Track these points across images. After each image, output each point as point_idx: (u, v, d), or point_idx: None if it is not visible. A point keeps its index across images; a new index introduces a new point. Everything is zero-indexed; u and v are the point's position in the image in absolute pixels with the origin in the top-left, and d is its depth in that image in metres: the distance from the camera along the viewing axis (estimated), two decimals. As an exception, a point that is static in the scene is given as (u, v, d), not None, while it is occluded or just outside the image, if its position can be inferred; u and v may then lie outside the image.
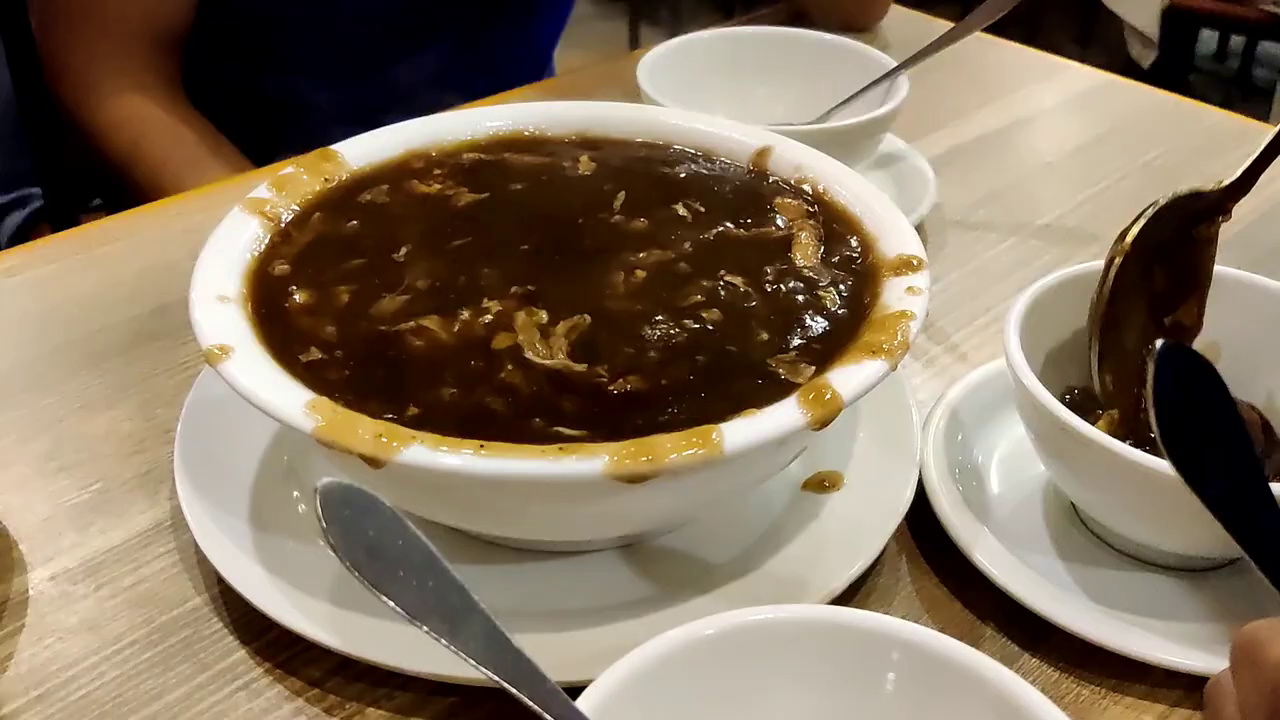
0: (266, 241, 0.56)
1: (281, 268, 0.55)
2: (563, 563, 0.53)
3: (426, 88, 1.12)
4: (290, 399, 0.45)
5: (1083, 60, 1.06)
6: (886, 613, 0.49)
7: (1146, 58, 2.87)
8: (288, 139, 0.98)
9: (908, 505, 0.54)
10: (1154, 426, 0.31)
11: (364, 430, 0.43)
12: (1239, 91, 3.52)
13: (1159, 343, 0.32)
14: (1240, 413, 0.33)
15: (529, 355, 0.49)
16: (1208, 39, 3.68)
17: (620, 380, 0.48)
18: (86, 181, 1.45)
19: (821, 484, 0.57)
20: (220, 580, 0.52)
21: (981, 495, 0.56)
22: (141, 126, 1.07)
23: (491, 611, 0.36)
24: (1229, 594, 0.51)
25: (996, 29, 1.10)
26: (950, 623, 0.52)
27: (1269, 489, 0.34)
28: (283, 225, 0.58)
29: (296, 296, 0.53)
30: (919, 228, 0.78)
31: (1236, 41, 3.63)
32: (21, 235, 1.52)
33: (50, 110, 1.24)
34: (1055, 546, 0.54)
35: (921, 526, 0.55)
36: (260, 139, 1.09)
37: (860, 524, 0.54)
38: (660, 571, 0.53)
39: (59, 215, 1.45)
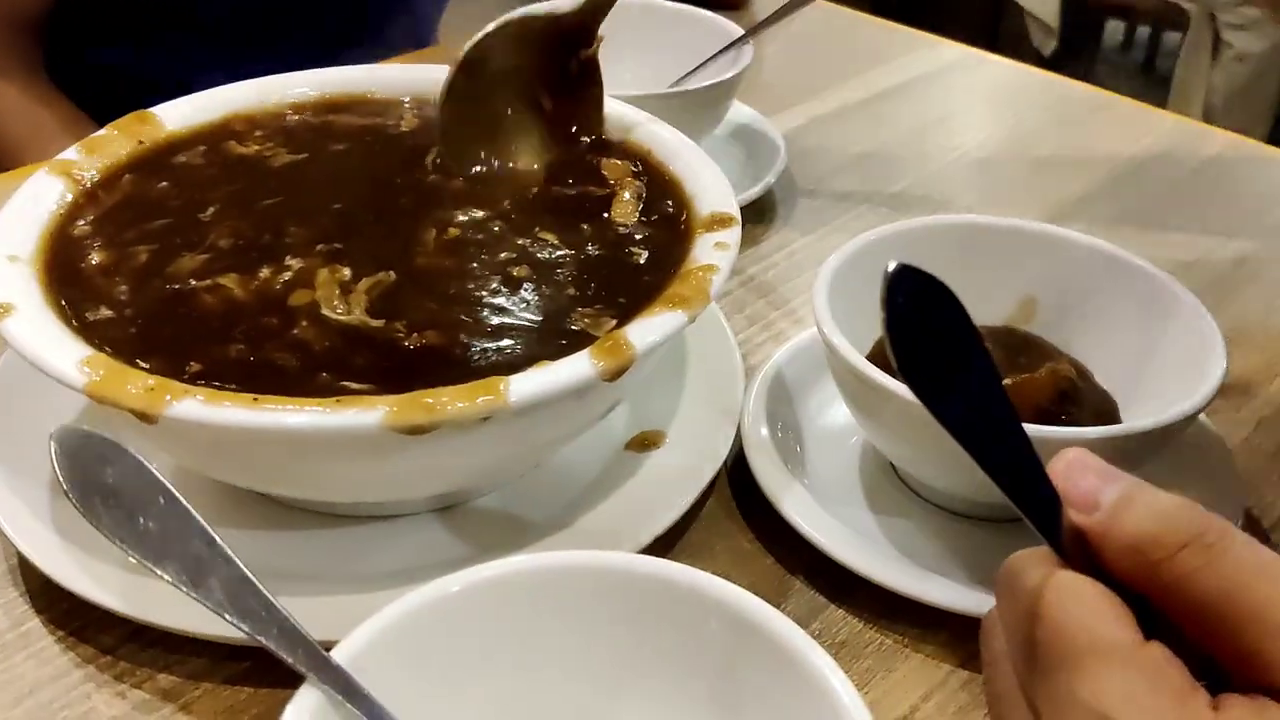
0: (69, 202, 0.55)
1: (82, 228, 0.54)
2: (376, 526, 0.52)
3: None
4: (65, 355, 0.44)
5: (992, 50, 1.06)
6: (700, 568, 0.49)
7: (1048, 46, 2.92)
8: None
9: (721, 462, 0.54)
10: (890, 353, 0.31)
11: (136, 385, 0.42)
12: (1144, 82, 3.59)
13: (891, 265, 0.31)
14: (984, 335, 0.33)
15: (325, 312, 0.48)
16: (1113, 30, 3.74)
17: (416, 336, 0.48)
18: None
19: (644, 443, 0.56)
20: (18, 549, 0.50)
21: (801, 453, 0.56)
22: None
23: (242, 562, 0.36)
24: (1035, 539, 0.52)
25: (899, 18, 1.11)
26: (760, 576, 0.52)
27: (1010, 408, 0.34)
28: (89, 186, 0.56)
29: (93, 257, 0.52)
30: (767, 196, 0.79)
31: (1142, 33, 3.70)
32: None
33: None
34: (869, 501, 0.55)
35: (743, 485, 0.55)
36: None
37: (677, 481, 0.54)
38: (475, 532, 0.52)
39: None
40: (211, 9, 1.11)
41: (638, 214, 0.56)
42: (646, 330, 0.47)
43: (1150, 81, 3.57)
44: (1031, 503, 0.35)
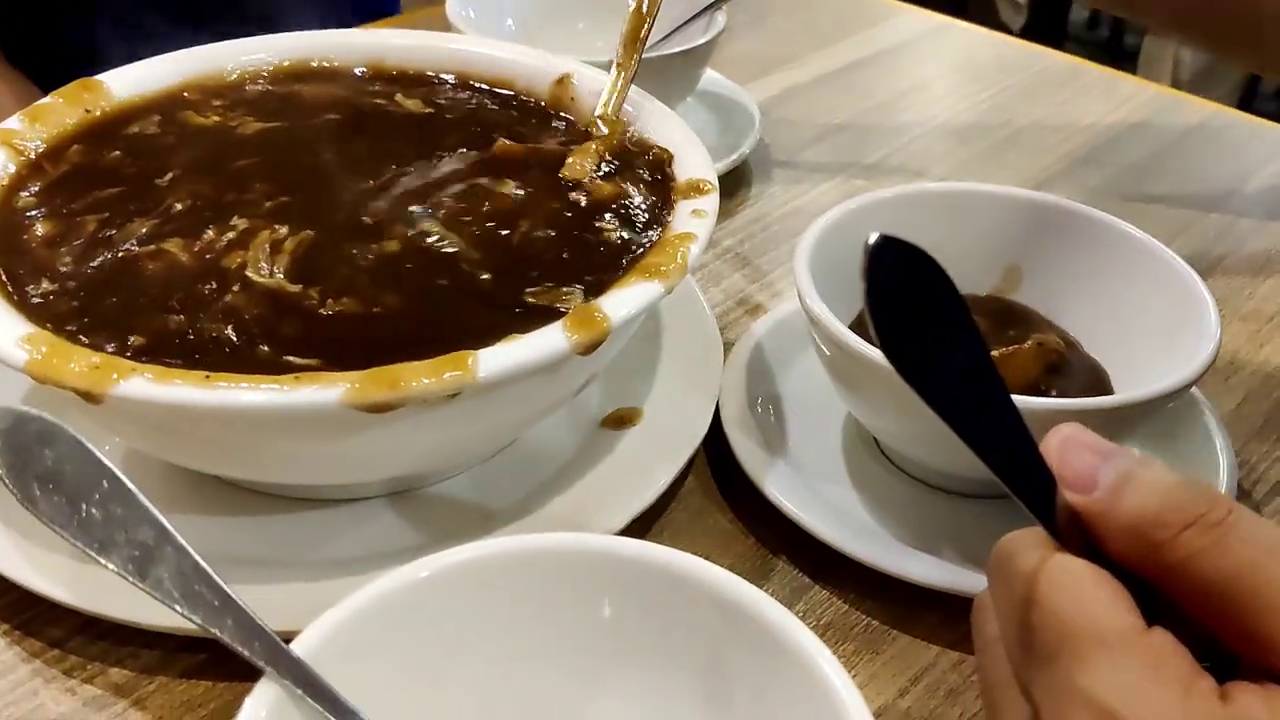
0: (12, 173, 0.52)
1: (26, 200, 0.51)
2: (337, 510, 0.50)
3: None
4: (4, 332, 0.41)
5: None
6: (679, 549, 0.47)
7: (1016, 22, 2.91)
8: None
9: (700, 439, 0.52)
10: (871, 328, 0.29)
11: (79, 363, 0.40)
12: (1110, 57, 3.59)
13: (871, 236, 0.29)
14: (968, 305, 0.31)
15: (250, 274, 0.46)
16: (1081, 5, 3.74)
17: (332, 301, 0.45)
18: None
19: (619, 421, 0.54)
20: (-41, 539, 0.48)
21: (781, 429, 0.55)
22: None
23: (191, 547, 0.33)
24: (1028, 519, 0.50)
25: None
26: (741, 557, 0.50)
27: (1000, 384, 0.32)
28: (33, 157, 0.53)
29: (38, 228, 0.49)
30: (742, 167, 0.76)
31: (1108, 8, 3.70)
32: None
33: None
34: (852, 478, 0.53)
35: (722, 463, 0.54)
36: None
37: (653, 460, 0.52)
38: (442, 516, 0.50)
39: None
40: None
41: (595, 169, 0.53)
42: (622, 301, 0.44)
43: (1117, 57, 3.57)
44: (1024, 483, 0.33)
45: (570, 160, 0.53)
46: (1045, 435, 0.34)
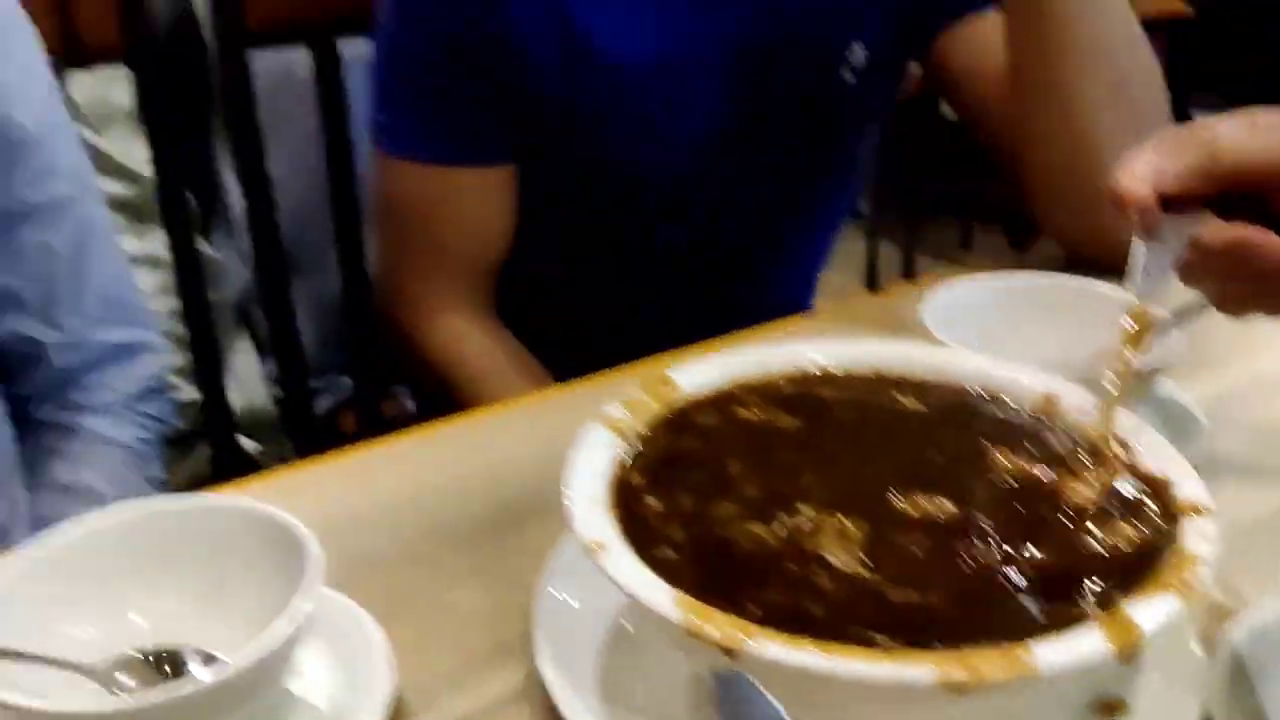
0: (622, 453, 0.67)
1: (636, 478, 0.65)
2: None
3: (701, 320, 1.16)
4: (660, 594, 0.54)
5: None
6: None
7: None
8: (583, 359, 1.08)
9: (1196, 736, 0.58)
10: None
11: (718, 624, 0.52)
12: None
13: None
14: None
15: (829, 557, 0.58)
16: None
17: (910, 591, 0.56)
18: (387, 374, 1.68)
19: (1110, 709, 0.61)
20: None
21: (1269, 734, 0.59)
22: (461, 346, 1.27)
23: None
24: None
25: None
26: None
27: None
28: (633, 440, 0.68)
29: (650, 502, 0.63)
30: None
31: None
32: (329, 418, 1.77)
33: (367, 316, 1.47)
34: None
35: (1209, 761, 0.58)
36: (560, 355, 1.25)
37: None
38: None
39: (363, 402, 1.69)
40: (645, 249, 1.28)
41: (1109, 497, 0.62)
42: (1149, 613, 0.52)
43: None
44: None
45: (1074, 488, 0.63)
46: None
